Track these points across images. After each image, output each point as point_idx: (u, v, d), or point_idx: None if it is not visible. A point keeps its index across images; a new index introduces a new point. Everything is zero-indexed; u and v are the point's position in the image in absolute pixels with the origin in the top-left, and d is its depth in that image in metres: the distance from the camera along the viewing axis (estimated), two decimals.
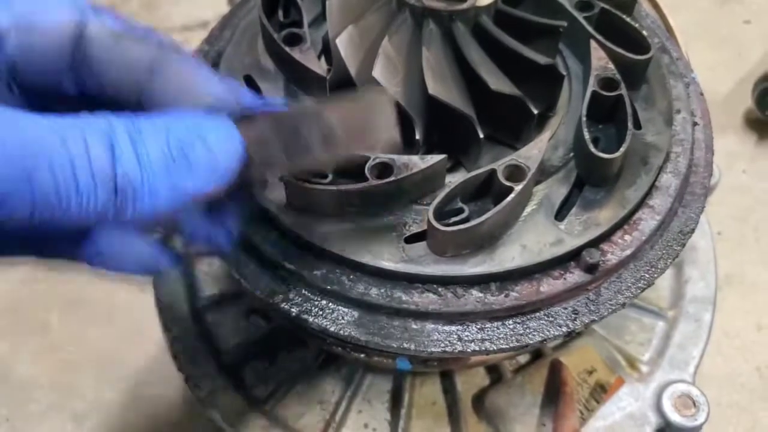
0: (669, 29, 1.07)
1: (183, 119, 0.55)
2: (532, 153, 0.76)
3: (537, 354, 1.09)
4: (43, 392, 1.54)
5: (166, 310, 1.13)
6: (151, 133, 0.52)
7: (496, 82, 0.77)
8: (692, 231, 0.83)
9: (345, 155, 0.64)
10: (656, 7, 1.13)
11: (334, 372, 1.09)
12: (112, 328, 1.62)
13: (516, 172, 0.74)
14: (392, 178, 0.74)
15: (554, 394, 1.03)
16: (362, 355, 0.98)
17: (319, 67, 0.85)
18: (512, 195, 0.72)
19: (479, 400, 1.05)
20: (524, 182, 0.73)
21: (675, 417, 1.01)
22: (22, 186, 0.47)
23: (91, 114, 0.51)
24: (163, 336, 1.14)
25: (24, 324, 1.64)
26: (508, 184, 0.73)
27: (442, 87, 0.76)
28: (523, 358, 1.09)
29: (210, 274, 1.17)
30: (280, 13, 0.92)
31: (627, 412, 1.04)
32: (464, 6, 0.79)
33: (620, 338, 1.12)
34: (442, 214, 0.73)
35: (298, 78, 0.87)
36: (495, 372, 1.08)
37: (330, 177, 0.77)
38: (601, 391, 1.03)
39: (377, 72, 0.75)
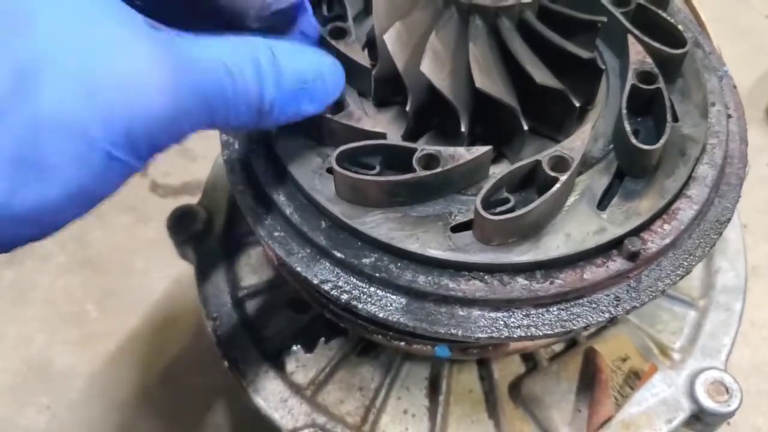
0: (701, 24, 1.09)
1: (307, 55, 0.69)
2: (575, 144, 0.78)
3: (572, 342, 1.11)
4: (83, 381, 1.57)
5: (208, 300, 1.16)
6: (287, 64, 0.65)
7: (541, 75, 0.79)
8: (728, 220, 0.85)
9: None
10: (687, 2, 1.14)
11: (373, 359, 1.11)
12: (148, 318, 1.65)
13: (560, 163, 0.76)
14: (439, 170, 0.77)
15: (589, 381, 1.05)
16: (402, 343, 1.00)
17: (365, 59, 0.88)
18: (557, 185, 0.74)
19: (516, 387, 1.07)
20: (569, 173, 0.75)
21: (709, 403, 1.03)
22: (201, 106, 0.58)
23: (239, 39, 0.62)
24: (199, 325, 1.16)
25: (61, 315, 1.68)
26: (552, 174, 0.75)
27: (489, 81, 0.78)
28: (557, 347, 1.11)
29: (250, 265, 1.20)
30: (324, 8, 0.94)
31: (660, 398, 1.06)
32: (509, 2, 0.81)
33: (652, 327, 1.13)
34: (488, 204, 0.75)
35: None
36: (530, 360, 1.10)
37: (377, 168, 0.80)
38: (635, 378, 1.05)
39: (425, 66, 0.78)
